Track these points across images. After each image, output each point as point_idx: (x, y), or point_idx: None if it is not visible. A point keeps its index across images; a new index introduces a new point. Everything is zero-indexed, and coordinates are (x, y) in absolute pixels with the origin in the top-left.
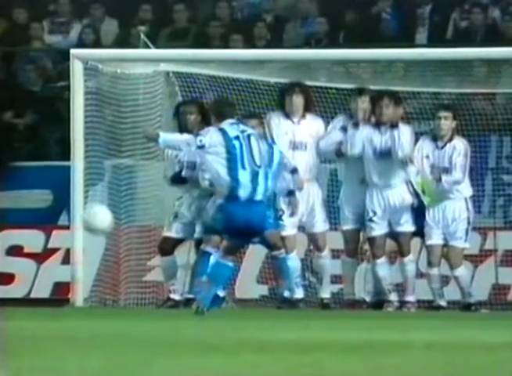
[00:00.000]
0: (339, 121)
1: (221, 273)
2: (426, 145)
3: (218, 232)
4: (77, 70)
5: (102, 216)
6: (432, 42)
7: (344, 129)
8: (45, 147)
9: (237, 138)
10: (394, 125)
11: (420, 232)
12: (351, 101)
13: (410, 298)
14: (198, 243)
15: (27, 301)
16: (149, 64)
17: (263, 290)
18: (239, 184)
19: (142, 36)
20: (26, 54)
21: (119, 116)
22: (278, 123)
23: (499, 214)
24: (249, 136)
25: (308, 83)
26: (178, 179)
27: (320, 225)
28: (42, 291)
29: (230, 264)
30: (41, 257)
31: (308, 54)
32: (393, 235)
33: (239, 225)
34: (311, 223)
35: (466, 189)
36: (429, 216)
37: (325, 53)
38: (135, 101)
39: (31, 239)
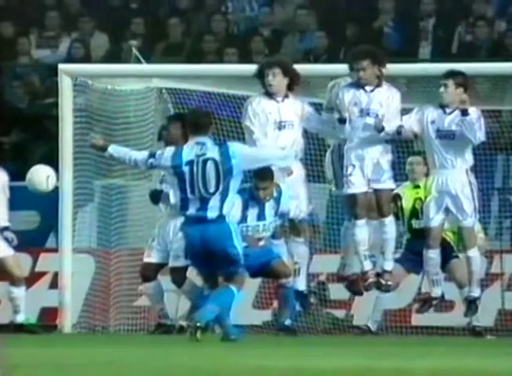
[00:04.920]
0: (337, 84)
1: (223, 296)
2: (431, 111)
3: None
4: (65, 86)
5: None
6: (436, 57)
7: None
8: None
9: (190, 163)
10: (375, 88)
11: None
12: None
13: (388, 266)
14: (173, 270)
15: (12, 328)
16: (141, 80)
17: (260, 315)
18: (188, 207)
19: (134, 51)
20: (12, 69)
21: (109, 134)
22: (258, 106)
23: (505, 236)
24: (205, 161)
25: (307, 100)
26: (153, 197)
27: (303, 209)
28: (30, 316)
29: (233, 289)
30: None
31: (306, 70)
32: (373, 193)
33: (195, 246)
34: (292, 208)
35: (466, 159)
36: (429, 195)
37: (324, 69)
38: (126, 118)
39: None
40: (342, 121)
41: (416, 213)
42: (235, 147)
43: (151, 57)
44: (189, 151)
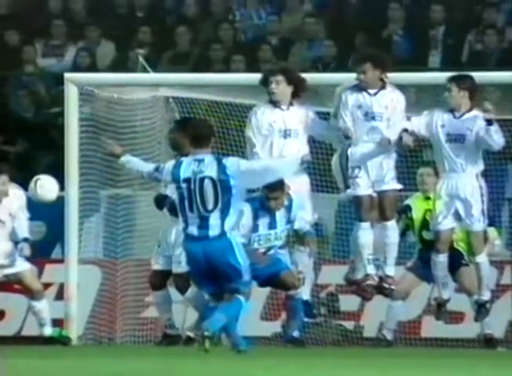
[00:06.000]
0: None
1: (231, 306)
2: (441, 115)
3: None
4: (71, 95)
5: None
6: (446, 65)
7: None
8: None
9: (187, 180)
10: (378, 91)
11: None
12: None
13: (390, 271)
14: (176, 277)
15: (17, 339)
16: (148, 89)
17: (268, 327)
18: (188, 224)
19: (141, 59)
20: (18, 78)
21: (116, 143)
22: (262, 116)
23: None
24: (202, 179)
25: (316, 109)
26: (158, 201)
27: (308, 220)
28: (34, 328)
29: (241, 299)
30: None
31: (315, 78)
32: (377, 195)
33: (198, 262)
34: (298, 219)
35: (477, 164)
36: (438, 199)
37: (333, 78)
38: (133, 128)
39: None
40: (347, 138)
41: (426, 224)
42: (233, 166)
43: (158, 66)
44: (187, 167)
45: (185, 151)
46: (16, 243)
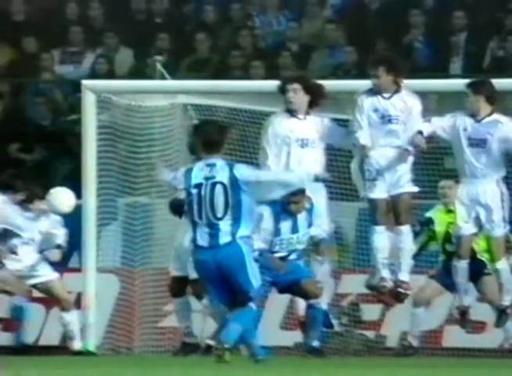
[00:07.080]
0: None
1: (244, 314)
2: (463, 119)
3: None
4: (89, 102)
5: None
6: (467, 72)
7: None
8: (54, 184)
9: (198, 186)
10: (393, 95)
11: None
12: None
13: (404, 277)
14: (192, 283)
15: (35, 349)
16: (166, 96)
17: (288, 336)
18: (197, 233)
19: (159, 66)
20: (35, 86)
21: (133, 151)
22: (279, 125)
23: None
24: (214, 185)
25: (335, 116)
26: (173, 206)
27: (325, 229)
28: (52, 337)
29: (253, 307)
30: (50, 301)
31: (335, 85)
32: (392, 199)
33: (210, 270)
34: (315, 225)
35: (498, 169)
36: (459, 205)
37: (353, 84)
38: (151, 135)
39: None
40: (366, 155)
41: (449, 237)
42: (242, 176)
43: (176, 73)
44: (199, 172)
45: (200, 155)
46: (42, 251)
